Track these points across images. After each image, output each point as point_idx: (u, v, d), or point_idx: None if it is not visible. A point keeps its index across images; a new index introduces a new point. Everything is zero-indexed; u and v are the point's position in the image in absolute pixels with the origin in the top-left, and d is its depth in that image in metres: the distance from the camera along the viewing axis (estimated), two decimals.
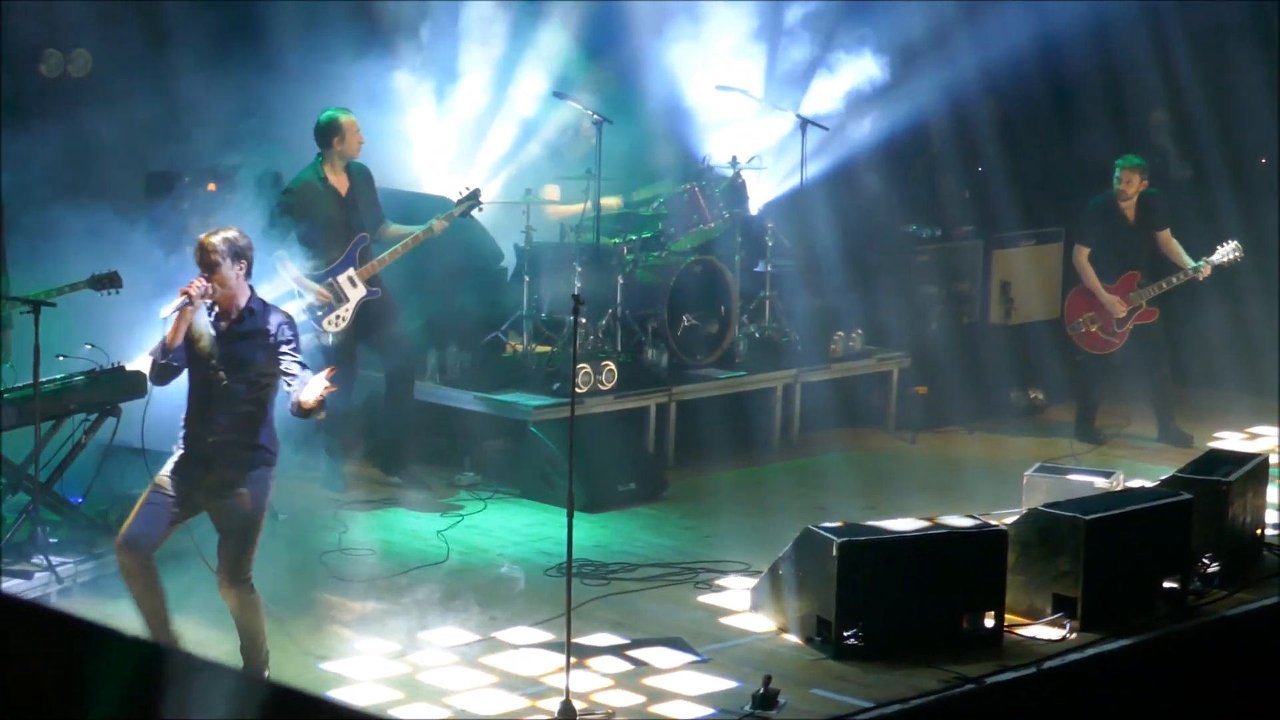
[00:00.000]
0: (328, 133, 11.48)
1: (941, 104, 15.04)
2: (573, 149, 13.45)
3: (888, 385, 14.00)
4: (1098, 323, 13.32)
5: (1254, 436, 13.62)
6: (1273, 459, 11.53)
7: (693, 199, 13.12)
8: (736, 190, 13.53)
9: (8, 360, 10.24)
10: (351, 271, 11.49)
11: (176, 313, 8.21)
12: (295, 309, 10.88)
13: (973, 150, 15.57)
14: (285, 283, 11.23)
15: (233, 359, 8.30)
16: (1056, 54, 15.28)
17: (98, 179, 12.47)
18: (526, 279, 12.60)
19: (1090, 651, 9.34)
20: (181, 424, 8.41)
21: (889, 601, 9.22)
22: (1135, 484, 11.50)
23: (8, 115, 12.18)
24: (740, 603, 9.91)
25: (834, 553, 9.10)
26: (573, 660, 8.54)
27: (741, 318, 13.29)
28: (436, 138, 13.84)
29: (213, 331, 8.30)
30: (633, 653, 9.19)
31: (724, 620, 9.74)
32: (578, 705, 8.33)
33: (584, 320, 12.03)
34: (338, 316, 11.45)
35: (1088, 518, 9.62)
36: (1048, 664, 9.18)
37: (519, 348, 12.64)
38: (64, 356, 9.99)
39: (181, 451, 8.38)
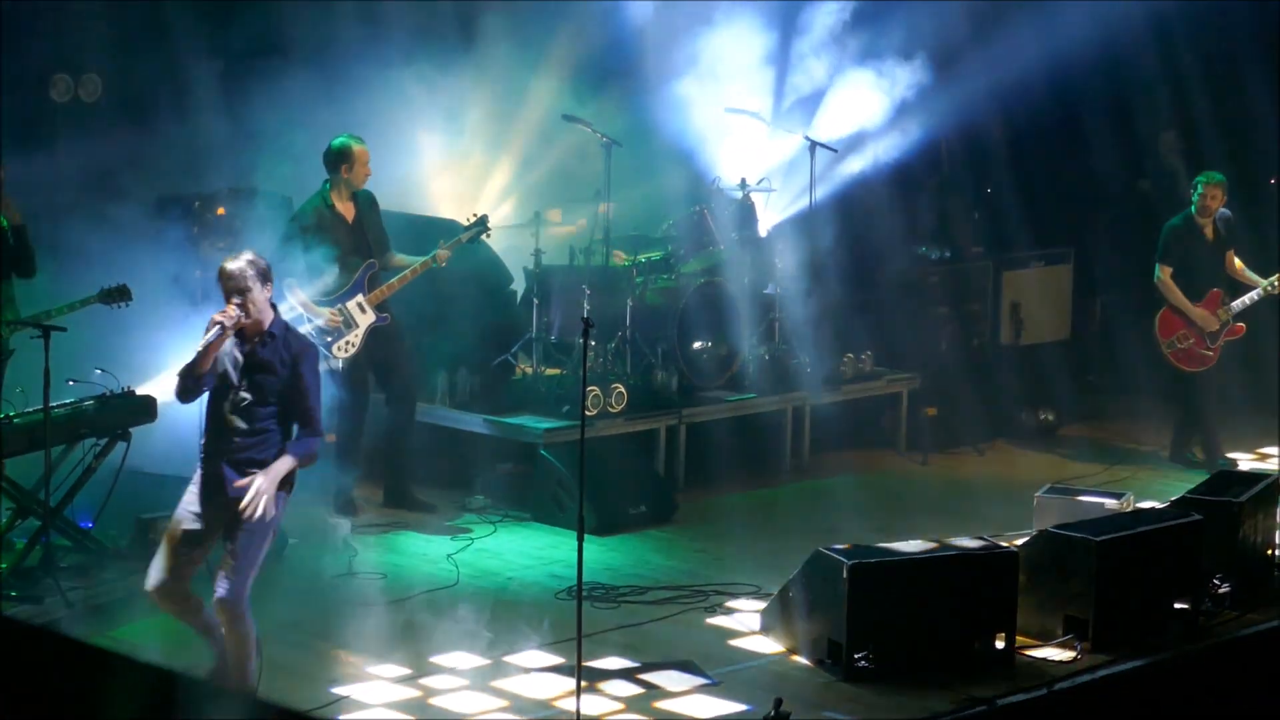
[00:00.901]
0: (338, 159, 11.47)
1: (952, 125, 15.04)
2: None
3: (898, 407, 14.00)
4: (1192, 339, 13.29)
5: (1264, 457, 13.60)
6: None
7: (702, 221, 13.13)
8: (746, 212, 13.54)
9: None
10: (360, 298, 11.49)
11: (212, 340, 8.20)
12: (303, 334, 10.84)
13: (983, 171, 15.57)
14: (294, 308, 11.20)
15: (253, 380, 8.30)
16: (1067, 75, 15.28)
17: (107, 203, 12.50)
18: (536, 302, 12.59)
19: (1101, 673, 9.32)
20: (200, 444, 8.40)
21: (900, 623, 9.21)
22: (1146, 505, 11.48)
23: (18, 140, 12.20)
24: (751, 625, 9.89)
25: (845, 575, 9.09)
26: (584, 684, 8.53)
27: (751, 340, 13.28)
28: (447, 162, 13.86)
29: (237, 355, 8.30)
30: (643, 676, 9.17)
31: (735, 642, 9.73)
32: None
33: (593, 343, 12.04)
34: (348, 342, 11.45)
35: (1099, 539, 9.61)
36: (1059, 685, 9.15)
37: (529, 370, 12.64)
38: (74, 381, 10.00)
39: (200, 473, 8.37)
